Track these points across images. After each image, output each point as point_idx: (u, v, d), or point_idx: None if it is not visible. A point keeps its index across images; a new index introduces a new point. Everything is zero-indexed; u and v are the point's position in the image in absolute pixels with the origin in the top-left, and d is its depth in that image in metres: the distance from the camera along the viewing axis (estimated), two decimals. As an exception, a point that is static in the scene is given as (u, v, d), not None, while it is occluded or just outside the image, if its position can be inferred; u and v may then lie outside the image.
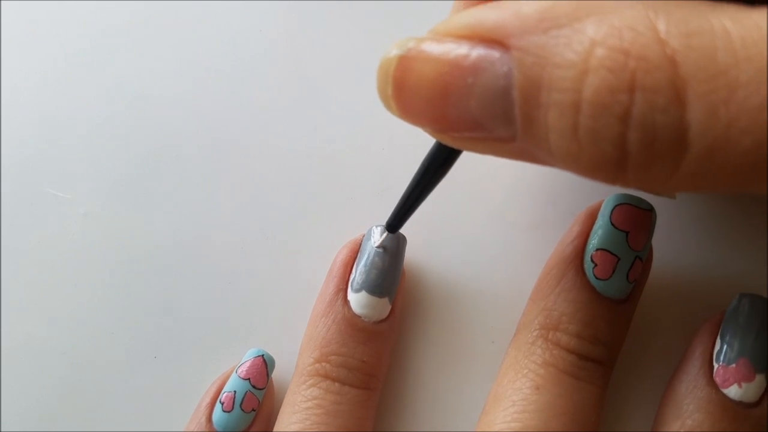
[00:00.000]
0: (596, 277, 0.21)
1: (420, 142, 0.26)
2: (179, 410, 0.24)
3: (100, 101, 0.27)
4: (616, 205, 0.21)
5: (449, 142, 0.16)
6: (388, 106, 0.16)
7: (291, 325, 0.25)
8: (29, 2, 0.28)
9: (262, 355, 0.24)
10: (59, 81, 0.27)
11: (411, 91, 0.15)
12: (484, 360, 0.24)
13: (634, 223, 0.21)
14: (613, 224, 0.21)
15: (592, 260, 0.21)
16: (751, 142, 0.12)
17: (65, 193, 0.27)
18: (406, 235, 0.24)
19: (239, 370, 0.23)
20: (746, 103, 0.12)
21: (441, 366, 0.24)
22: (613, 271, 0.21)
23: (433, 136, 0.16)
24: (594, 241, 0.21)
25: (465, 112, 0.15)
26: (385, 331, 0.23)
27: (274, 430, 0.23)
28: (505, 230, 0.25)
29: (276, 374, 0.24)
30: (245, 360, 0.24)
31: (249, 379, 0.23)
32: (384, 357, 0.23)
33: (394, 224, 0.22)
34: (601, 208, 0.22)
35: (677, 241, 0.24)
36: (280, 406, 0.23)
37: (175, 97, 0.27)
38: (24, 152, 0.27)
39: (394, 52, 0.15)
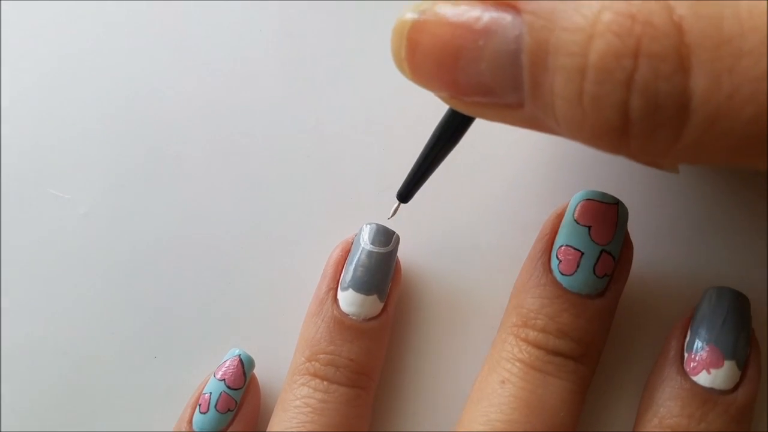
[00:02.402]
0: (561, 273, 0.21)
1: (420, 142, 0.26)
2: (179, 410, 0.24)
3: (100, 101, 0.27)
4: (579, 201, 0.22)
5: (460, 108, 0.16)
6: (401, 69, 0.16)
7: (291, 324, 0.25)
8: (29, 2, 0.28)
9: (239, 356, 0.24)
10: (59, 81, 0.27)
11: (424, 53, 0.15)
12: (482, 360, 0.24)
13: (596, 217, 0.21)
14: (575, 220, 0.21)
15: (557, 257, 0.21)
16: (752, 112, 0.12)
17: (65, 193, 0.27)
18: (405, 234, 0.23)
19: (216, 372, 0.24)
20: (749, 72, 0.12)
21: (439, 365, 0.24)
22: (578, 266, 0.21)
23: (445, 101, 0.16)
24: (559, 239, 0.22)
25: (475, 76, 0.15)
26: (376, 329, 0.23)
27: (268, 428, 0.23)
28: (505, 230, 0.25)
29: (276, 374, 0.24)
30: (223, 361, 0.24)
31: (224, 380, 0.23)
32: (375, 355, 0.23)
33: (405, 193, 0.22)
34: (568, 206, 0.22)
35: (661, 239, 0.24)
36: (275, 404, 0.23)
37: (175, 96, 0.27)
38: (24, 152, 0.27)
39: (410, 15, 0.15)
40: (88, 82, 0.27)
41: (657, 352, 0.23)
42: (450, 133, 0.19)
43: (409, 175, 0.21)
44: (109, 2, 0.28)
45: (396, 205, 0.22)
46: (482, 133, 0.26)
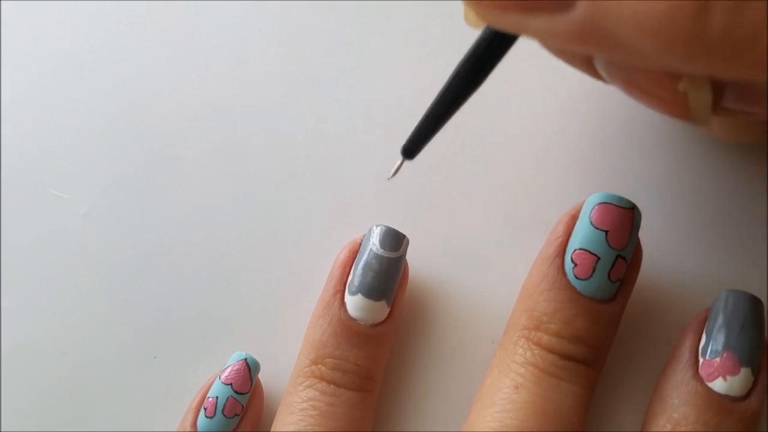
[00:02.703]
0: (576, 277, 0.21)
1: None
2: (179, 410, 0.24)
3: (100, 101, 0.27)
4: (596, 205, 0.21)
5: (499, 20, 0.14)
6: None
7: (291, 325, 0.25)
8: (29, 2, 0.28)
9: (245, 359, 0.23)
10: (59, 81, 0.27)
11: None
12: (484, 360, 0.23)
13: (613, 221, 0.21)
14: (592, 223, 0.21)
15: (572, 260, 0.21)
16: None
17: (65, 193, 0.27)
18: (406, 234, 0.23)
19: (222, 375, 0.23)
20: None
21: (440, 366, 0.24)
22: (593, 271, 0.21)
23: (484, 14, 0.14)
24: (574, 241, 0.21)
25: None
26: (382, 335, 0.23)
27: (272, 429, 0.23)
28: (506, 230, 0.25)
29: (277, 374, 0.24)
30: (228, 364, 0.24)
31: (231, 384, 0.23)
32: (381, 360, 0.23)
33: (412, 148, 0.18)
34: (582, 208, 0.22)
35: (668, 240, 0.24)
36: (279, 404, 0.23)
37: (175, 97, 0.27)
38: (24, 152, 0.27)
39: None
40: (88, 83, 0.27)
41: (661, 355, 0.23)
42: (478, 65, 0.16)
43: (418, 126, 0.18)
44: (109, 2, 0.28)
45: (399, 162, 0.19)
46: (483, 134, 0.26)
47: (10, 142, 0.27)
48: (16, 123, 0.27)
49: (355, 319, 0.22)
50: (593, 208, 0.21)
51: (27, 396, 0.26)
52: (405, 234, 0.23)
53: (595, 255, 0.21)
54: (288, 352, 0.24)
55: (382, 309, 0.22)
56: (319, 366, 0.22)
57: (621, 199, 0.21)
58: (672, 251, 0.24)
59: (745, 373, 0.20)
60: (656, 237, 0.24)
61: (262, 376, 0.24)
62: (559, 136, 0.25)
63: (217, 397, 0.23)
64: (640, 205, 0.22)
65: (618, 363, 0.24)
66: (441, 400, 0.24)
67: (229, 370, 0.23)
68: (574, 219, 0.22)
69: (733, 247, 0.24)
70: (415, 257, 0.25)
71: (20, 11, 0.28)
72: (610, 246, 0.21)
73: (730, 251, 0.24)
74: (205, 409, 0.23)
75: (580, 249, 0.21)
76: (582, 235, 0.21)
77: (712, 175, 0.24)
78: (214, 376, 0.24)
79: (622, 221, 0.21)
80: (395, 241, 0.23)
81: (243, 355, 0.24)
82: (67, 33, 0.28)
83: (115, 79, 0.27)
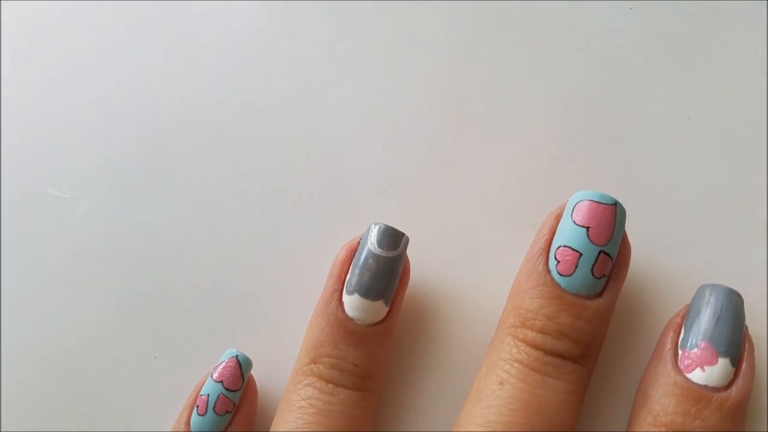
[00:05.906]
0: (560, 274, 0.21)
1: (420, 142, 0.26)
2: (179, 410, 0.24)
3: (100, 101, 0.27)
4: (577, 202, 0.22)
5: None
6: None
7: (291, 325, 0.25)
8: (29, 2, 0.28)
9: (236, 357, 0.23)
10: (59, 81, 0.27)
11: None
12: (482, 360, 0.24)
13: (594, 217, 0.21)
14: (573, 220, 0.21)
15: (555, 257, 0.21)
16: None
17: (65, 193, 0.27)
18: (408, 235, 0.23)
19: (213, 373, 0.23)
20: None
21: (441, 366, 0.24)
22: (576, 267, 0.21)
23: None
24: (557, 239, 0.21)
25: None
26: (381, 334, 0.22)
27: (272, 428, 0.23)
28: (506, 230, 0.25)
29: (279, 373, 0.25)
30: (220, 361, 0.24)
31: (222, 381, 0.23)
32: (379, 359, 0.23)
33: None
34: (566, 206, 0.22)
35: (658, 238, 0.24)
36: (279, 401, 0.23)
37: (175, 97, 0.27)
38: (24, 152, 0.27)
39: None
40: (88, 82, 0.27)
41: (651, 351, 0.23)
42: None
43: None
44: (109, 2, 0.28)
45: None
46: (480, 133, 0.26)
47: (10, 142, 0.27)
48: (16, 123, 0.27)
49: (353, 319, 0.22)
50: (575, 206, 0.22)
51: (27, 396, 0.26)
52: (406, 233, 0.23)
53: (577, 251, 0.21)
54: (290, 350, 0.24)
55: (379, 309, 0.22)
56: (318, 365, 0.22)
57: (603, 195, 0.21)
58: (666, 249, 0.24)
59: (723, 363, 0.21)
60: (651, 234, 0.24)
61: (265, 374, 0.24)
62: (559, 137, 0.25)
63: (208, 395, 0.23)
64: (634, 202, 0.22)
65: (610, 360, 0.24)
66: (441, 399, 0.24)
67: (220, 367, 0.23)
68: (558, 218, 0.22)
69: (728, 244, 0.24)
70: (415, 257, 0.25)
71: (20, 11, 0.28)
72: (591, 242, 0.21)
73: (725, 248, 0.24)
74: (198, 407, 0.23)
75: (562, 246, 0.21)
76: (564, 232, 0.21)
77: (708, 169, 0.24)
78: (208, 373, 0.24)
79: (603, 217, 0.21)
80: (393, 239, 0.23)
81: (234, 352, 0.24)
82: (67, 33, 0.28)
83: (116, 79, 0.27)
